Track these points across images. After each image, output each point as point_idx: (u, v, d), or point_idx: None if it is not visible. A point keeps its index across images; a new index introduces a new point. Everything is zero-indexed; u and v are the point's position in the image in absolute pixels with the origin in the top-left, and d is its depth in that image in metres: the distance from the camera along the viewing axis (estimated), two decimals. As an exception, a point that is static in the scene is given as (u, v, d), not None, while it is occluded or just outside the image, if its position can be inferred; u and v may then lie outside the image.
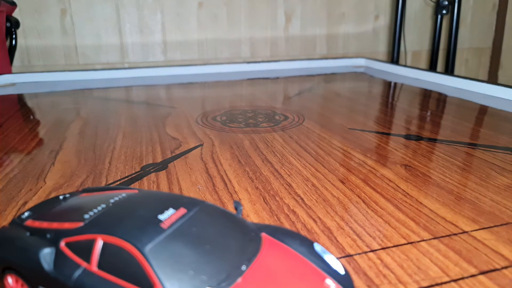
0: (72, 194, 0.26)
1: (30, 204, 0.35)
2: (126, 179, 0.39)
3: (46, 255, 0.20)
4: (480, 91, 0.76)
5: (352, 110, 0.67)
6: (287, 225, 0.30)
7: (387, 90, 0.86)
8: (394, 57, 1.35)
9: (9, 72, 1.04)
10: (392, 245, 0.28)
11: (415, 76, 0.93)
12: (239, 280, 0.18)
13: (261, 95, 0.79)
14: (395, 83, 0.90)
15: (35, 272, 0.20)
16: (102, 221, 0.21)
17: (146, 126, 0.58)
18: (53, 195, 0.36)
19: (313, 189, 0.37)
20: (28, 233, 0.22)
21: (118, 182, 0.39)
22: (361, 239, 0.28)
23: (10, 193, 0.37)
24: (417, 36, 1.50)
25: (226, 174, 0.40)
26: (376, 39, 1.47)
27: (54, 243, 0.20)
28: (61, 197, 0.26)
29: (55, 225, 0.21)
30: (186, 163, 0.43)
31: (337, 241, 0.28)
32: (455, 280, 0.24)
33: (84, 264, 0.19)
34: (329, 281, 0.20)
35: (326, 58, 1.23)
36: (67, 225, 0.21)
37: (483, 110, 0.65)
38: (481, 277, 0.24)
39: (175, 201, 0.22)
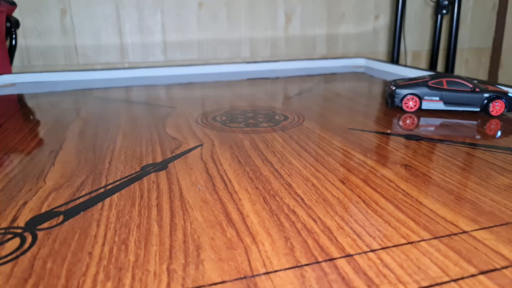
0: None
1: (30, 204, 0.35)
2: (126, 179, 0.39)
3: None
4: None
5: (352, 110, 0.67)
6: (287, 225, 0.30)
7: (387, 90, 0.86)
8: (394, 57, 1.35)
9: (9, 72, 1.04)
10: (392, 245, 0.28)
11: (415, 76, 0.93)
12: None
13: (261, 95, 0.79)
14: (395, 83, 0.90)
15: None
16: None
17: (146, 126, 0.58)
18: (53, 195, 0.36)
19: (313, 189, 0.37)
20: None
21: (118, 182, 0.39)
22: (361, 239, 0.28)
23: (10, 193, 0.37)
24: (417, 36, 1.50)
25: (226, 174, 0.40)
26: (376, 39, 1.47)
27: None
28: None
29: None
30: (186, 163, 0.43)
31: (337, 241, 0.28)
32: (455, 280, 0.24)
33: None
34: None
35: (326, 58, 1.23)
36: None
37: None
38: (481, 277, 0.24)
39: None
